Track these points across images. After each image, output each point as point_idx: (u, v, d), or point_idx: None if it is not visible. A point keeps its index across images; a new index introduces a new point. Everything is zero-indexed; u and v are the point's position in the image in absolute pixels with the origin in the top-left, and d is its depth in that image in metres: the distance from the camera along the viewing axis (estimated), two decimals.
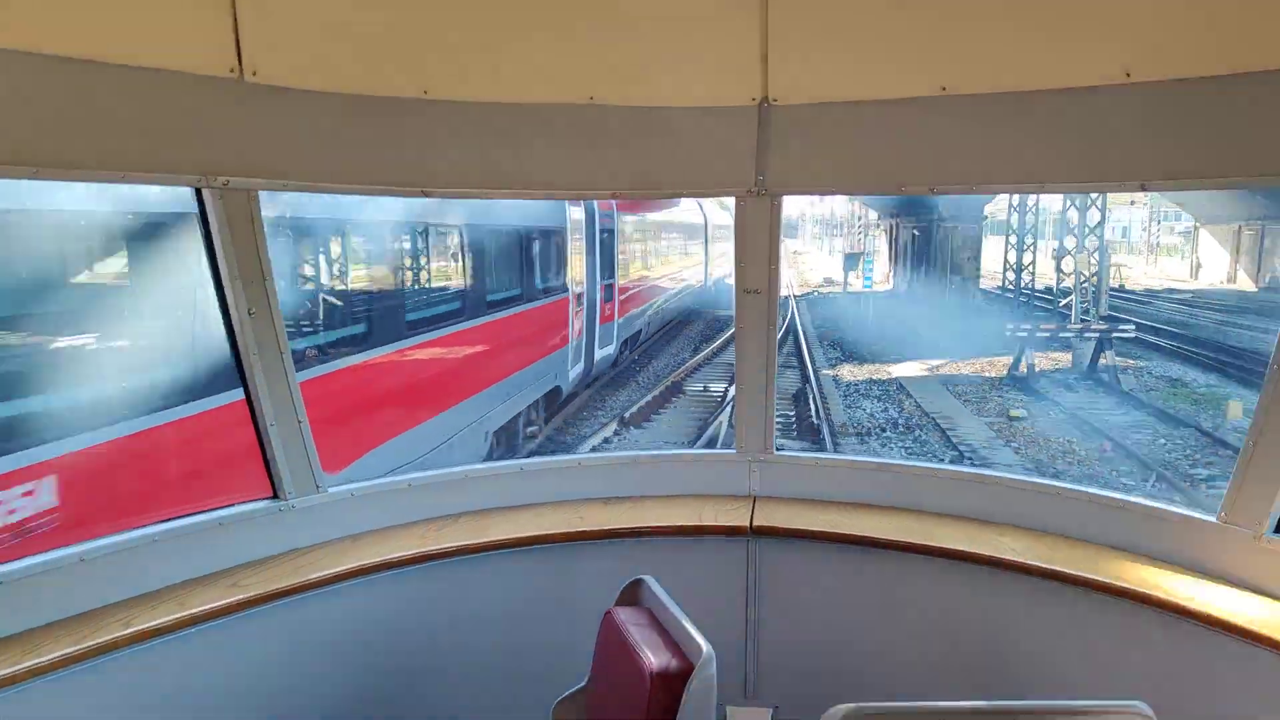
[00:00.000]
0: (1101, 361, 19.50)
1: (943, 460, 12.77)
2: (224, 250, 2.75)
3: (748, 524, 3.27)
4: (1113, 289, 27.12)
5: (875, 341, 22.36)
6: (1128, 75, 2.59)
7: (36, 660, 2.30)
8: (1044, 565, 2.86)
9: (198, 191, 2.69)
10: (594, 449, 12.55)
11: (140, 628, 2.49)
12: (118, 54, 2.38)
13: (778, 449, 3.55)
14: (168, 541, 2.77)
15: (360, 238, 8.28)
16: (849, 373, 19.77)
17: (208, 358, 5.45)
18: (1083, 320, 21.22)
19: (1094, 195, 21.54)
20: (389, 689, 3.09)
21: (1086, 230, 22.54)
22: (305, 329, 7.20)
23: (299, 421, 3.00)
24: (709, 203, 23.65)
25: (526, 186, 3.24)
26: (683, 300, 24.21)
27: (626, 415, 14.75)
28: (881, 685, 3.20)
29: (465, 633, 3.20)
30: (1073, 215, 23.08)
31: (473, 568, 3.14)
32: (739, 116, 3.11)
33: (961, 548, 3.02)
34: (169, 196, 5.13)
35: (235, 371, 2.93)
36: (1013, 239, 27.72)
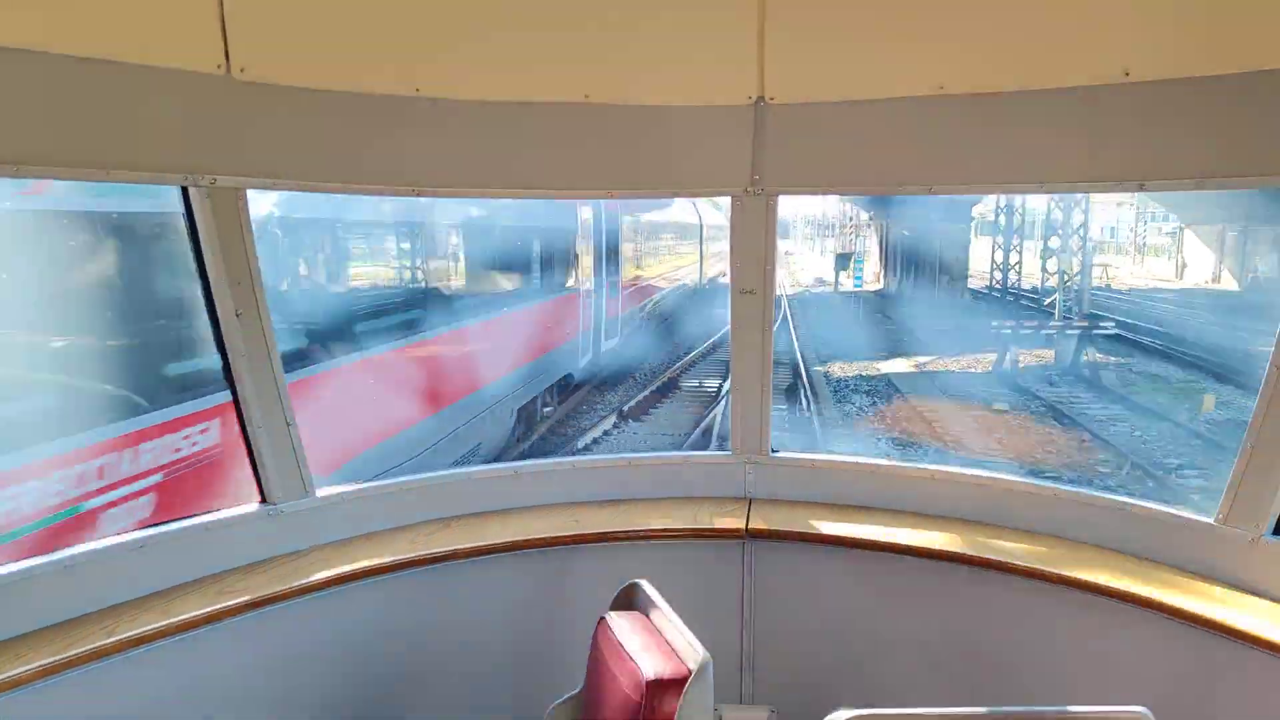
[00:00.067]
0: (1083, 358, 19.80)
1: (928, 455, 13.00)
2: (211, 251, 2.70)
3: (743, 527, 3.24)
4: (1099, 288, 27.44)
5: (865, 339, 22.62)
6: (1126, 74, 2.57)
7: (17, 670, 2.25)
8: (1042, 568, 2.84)
9: (184, 190, 2.63)
10: (595, 440, 12.98)
11: (124, 636, 2.44)
12: (101, 49, 2.33)
13: (773, 450, 3.53)
14: (153, 547, 2.72)
15: (459, 239, 10.89)
16: (839, 369, 20.00)
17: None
18: (1065, 318, 21.51)
19: (1078, 196, 21.77)
20: (380, 696, 3.04)
21: (1070, 231, 22.81)
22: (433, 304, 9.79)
23: (288, 424, 2.95)
24: (702, 203, 23.82)
25: (520, 186, 3.20)
26: (678, 298, 24.66)
27: (625, 409, 15.04)
28: (879, 689, 3.18)
29: (457, 639, 3.16)
30: (1057, 215, 23.36)
31: (465, 572, 3.10)
32: (735, 115, 3.08)
33: (959, 550, 3.00)
34: None
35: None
36: (999, 239, 27.97)
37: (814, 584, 3.26)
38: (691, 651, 2.10)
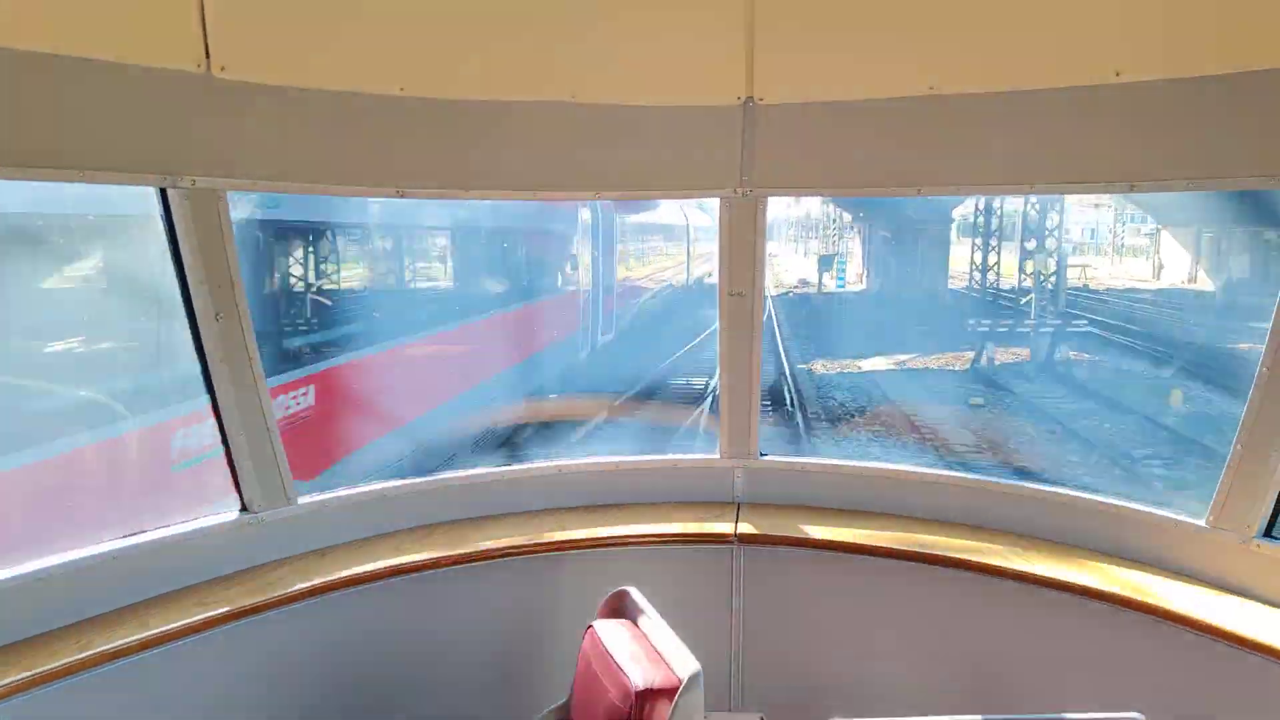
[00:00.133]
0: (1057, 355, 20.20)
1: (908, 450, 13.22)
2: (190, 253, 2.64)
3: (732, 532, 3.22)
4: (1078, 288, 27.80)
5: (848, 338, 22.93)
6: (1117, 75, 2.56)
7: None
8: (1034, 571, 2.84)
9: (162, 192, 2.57)
10: (587, 433, 13.32)
11: (98, 650, 2.38)
12: (76, 46, 2.27)
13: (761, 453, 3.51)
14: (129, 559, 2.65)
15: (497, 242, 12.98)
16: (822, 367, 20.28)
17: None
18: (1040, 317, 21.93)
19: (1053, 198, 22.17)
20: (362, 709, 2.99)
21: (1045, 233, 23.26)
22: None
23: (268, 430, 2.89)
24: (688, 204, 24.08)
25: (505, 187, 3.15)
26: (666, 298, 25.18)
27: (615, 404, 15.22)
28: (871, 694, 3.17)
29: (441, 649, 3.11)
30: (1034, 217, 23.78)
31: (450, 581, 3.05)
32: (723, 116, 3.05)
33: (950, 554, 2.98)
34: None
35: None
36: (979, 241, 28.31)
37: (804, 589, 3.24)
38: (682, 660, 2.08)
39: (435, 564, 3.01)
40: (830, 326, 24.91)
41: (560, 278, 15.03)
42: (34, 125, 2.28)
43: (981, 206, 27.74)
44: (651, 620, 2.30)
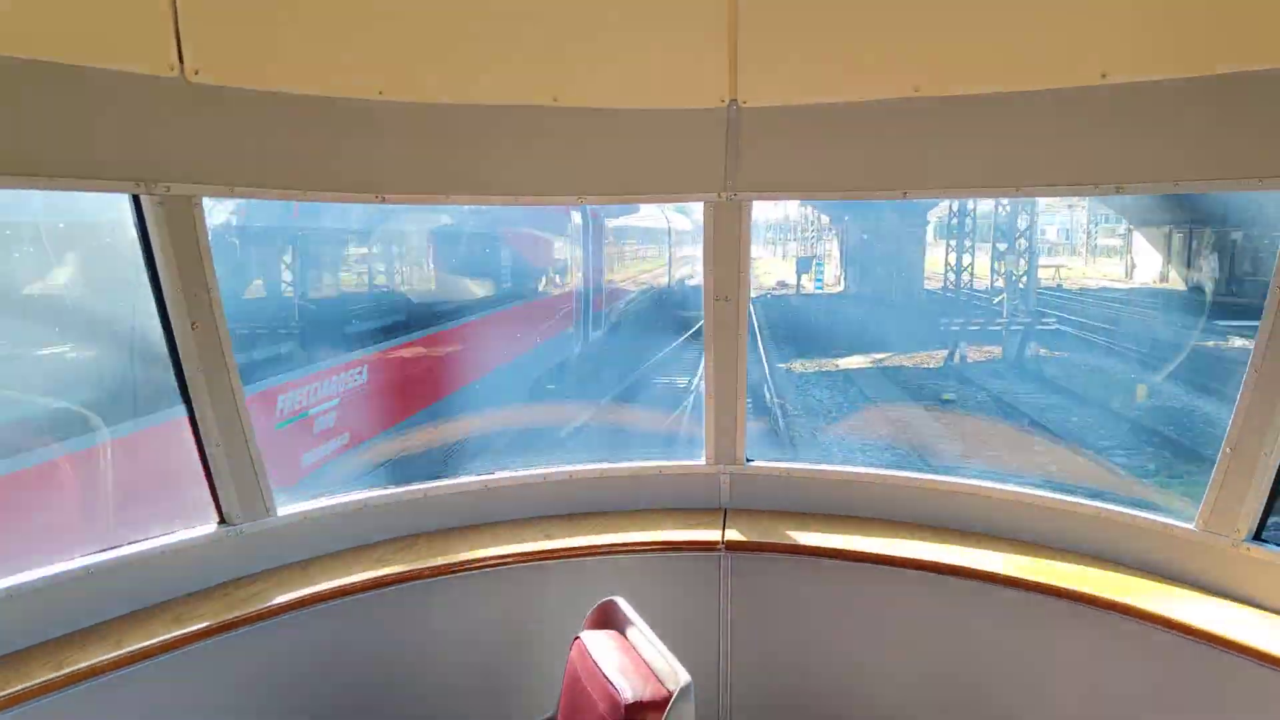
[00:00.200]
0: (1028, 352, 20.63)
1: (889, 452, 13.40)
2: (165, 261, 2.57)
3: (719, 539, 3.19)
4: (1051, 288, 28.26)
5: (826, 338, 23.28)
6: (1103, 76, 2.56)
7: None
8: (1024, 577, 2.83)
9: (135, 199, 2.51)
10: (576, 429, 13.65)
11: (74, 668, 2.32)
12: (45, 49, 2.20)
13: (748, 459, 3.49)
14: (104, 574, 2.58)
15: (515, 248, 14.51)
16: (801, 366, 20.58)
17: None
18: (1011, 315, 22.40)
19: (1024, 200, 22.62)
20: None
21: (1016, 234, 23.74)
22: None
23: (247, 441, 2.83)
24: (668, 208, 24.26)
25: (487, 192, 3.10)
26: (649, 299, 25.65)
27: (601, 403, 15.39)
28: (861, 703, 3.16)
29: (425, 662, 3.06)
30: (1004, 217, 24.28)
31: (433, 592, 3.01)
32: (707, 119, 3.02)
33: (940, 560, 2.97)
34: None
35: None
36: (953, 242, 28.72)
37: (793, 597, 3.22)
38: (671, 673, 2.05)
39: (418, 575, 2.97)
40: (808, 327, 25.21)
41: (559, 278, 16.29)
42: (1, 131, 2.21)
43: (955, 208, 28.11)
44: (640, 631, 2.27)
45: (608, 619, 2.43)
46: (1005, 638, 2.96)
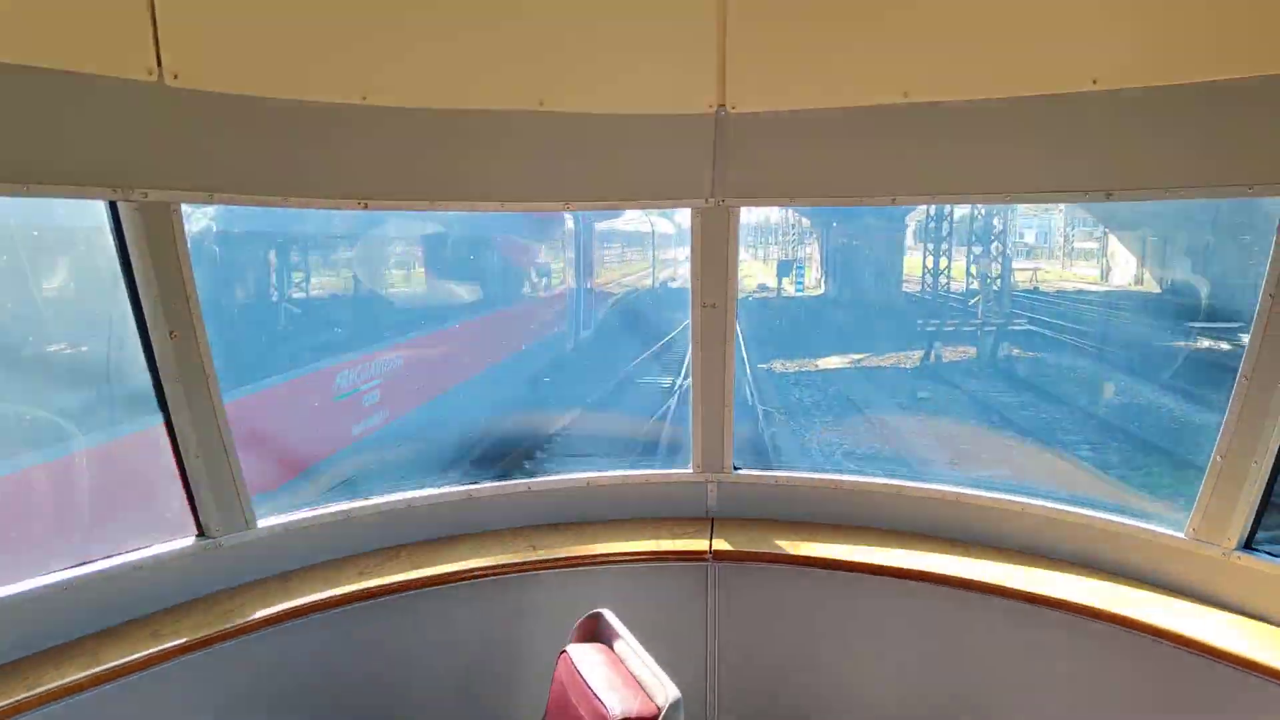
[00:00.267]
0: (1001, 352, 21.04)
1: (872, 460, 13.59)
2: (142, 268, 2.52)
3: (707, 548, 3.17)
4: (1028, 290, 28.66)
5: (806, 339, 23.61)
6: (1094, 83, 2.54)
7: None
8: (1013, 586, 2.82)
9: (111, 205, 2.45)
10: (562, 428, 13.91)
11: (48, 687, 2.26)
12: (19, 53, 2.14)
13: (735, 467, 3.47)
14: (79, 589, 2.52)
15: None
16: (781, 366, 20.90)
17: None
18: (986, 317, 22.87)
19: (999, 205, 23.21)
20: None
21: (991, 237, 24.26)
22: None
23: (226, 452, 2.77)
24: (652, 211, 24.44)
25: (472, 198, 3.06)
26: (632, 300, 25.98)
27: (587, 401, 15.54)
28: (851, 714, 3.14)
29: (409, 676, 3.01)
30: (980, 222, 24.73)
31: (417, 605, 2.97)
32: (695, 125, 3.00)
33: (928, 569, 2.96)
34: None
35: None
36: (931, 245, 29.11)
37: (781, 607, 3.20)
38: (660, 687, 2.03)
39: (402, 588, 2.92)
40: (789, 329, 25.50)
41: (553, 280, 17.32)
42: None
43: (933, 213, 28.46)
44: (628, 644, 2.25)
45: (595, 632, 2.40)
46: (995, 648, 2.95)
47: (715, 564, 3.18)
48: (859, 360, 21.51)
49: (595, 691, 2.09)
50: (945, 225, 28.79)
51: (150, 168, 2.43)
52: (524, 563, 3.09)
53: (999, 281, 24.12)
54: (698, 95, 2.97)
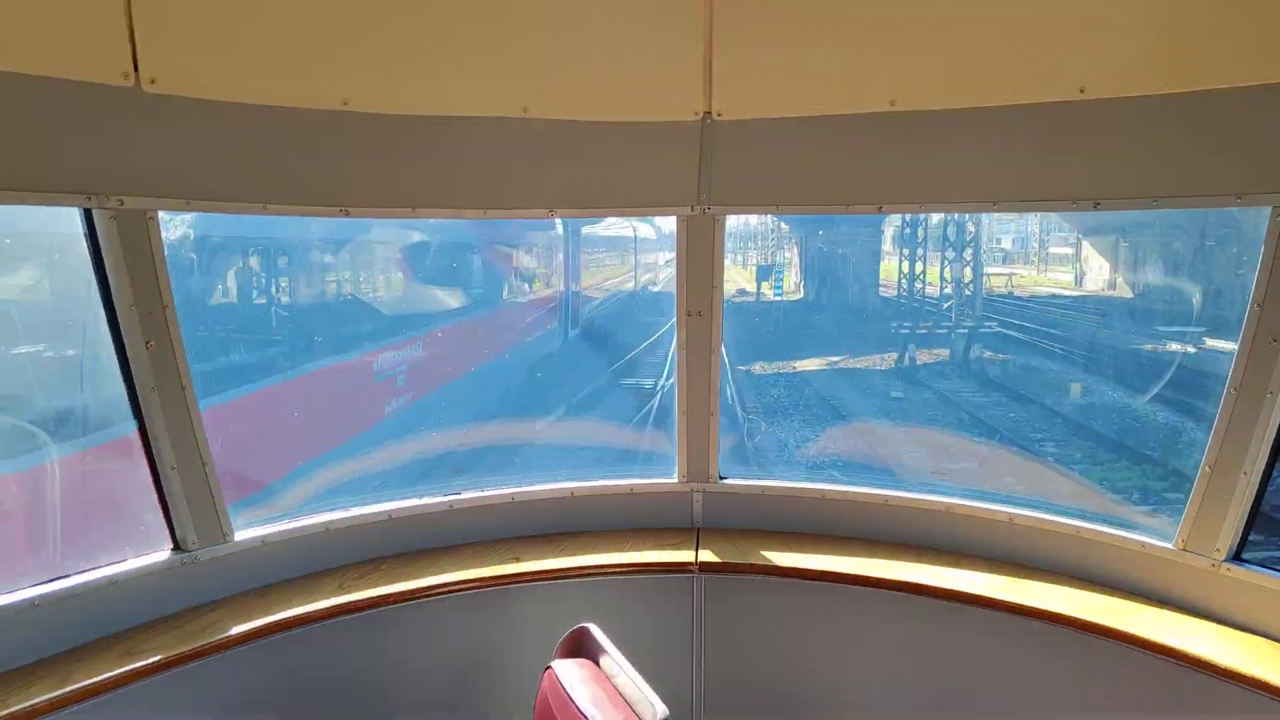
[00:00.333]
0: (972, 354, 21.47)
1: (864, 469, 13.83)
2: (118, 277, 2.46)
3: (693, 560, 3.14)
4: (1003, 294, 29.10)
5: (784, 342, 23.98)
6: (1082, 92, 2.54)
7: None
8: (1001, 598, 2.80)
9: (86, 212, 2.39)
10: (548, 424, 14.04)
11: (15, 709, 2.18)
12: None
13: (721, 477, 3.45)
14: (49, 606, 2.45)
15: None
16: (760, 368, 21.32)
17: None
18: (959, 321, 23.37)
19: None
20: None
21: (964, 243, 24.83)
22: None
23: (203, 463, 2.71)
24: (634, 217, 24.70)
25: (455, 205, 3.02)
26: (616, 303, 26.31)
27: (573, 400, 15.73)
28: None
29: (389, 692, 2.96)
30: (954, 228, 25.18)
31: (398, 619, 2.92)
32: (681, 132, 2.97)
33: (917, 580, 2.94)
34: None
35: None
36: (907, 251, 29.51)
37: (768, 619, 3.18)
38: (647, 704, 2.00)
39: (383, 601, 2.87)
40: (768, 332, 25.73)
41: (545, 282, 17.87)
42: None
43: (909, 219, 28.85)
44: (614, 659, 2.22)
45: (580, 647, 2.36)
46: (983, 659, 2.94)
47: (701, 575, 3.15)
48: (835, 362, 21.90)
49: (581, 709, 2.05)
50: (921, 231, 29.21)
51: (126, 174, 2.38)
52: (507, 575, 3.04)
53: (971, 286, 24.59)
54: (683, 102, 2.94)
